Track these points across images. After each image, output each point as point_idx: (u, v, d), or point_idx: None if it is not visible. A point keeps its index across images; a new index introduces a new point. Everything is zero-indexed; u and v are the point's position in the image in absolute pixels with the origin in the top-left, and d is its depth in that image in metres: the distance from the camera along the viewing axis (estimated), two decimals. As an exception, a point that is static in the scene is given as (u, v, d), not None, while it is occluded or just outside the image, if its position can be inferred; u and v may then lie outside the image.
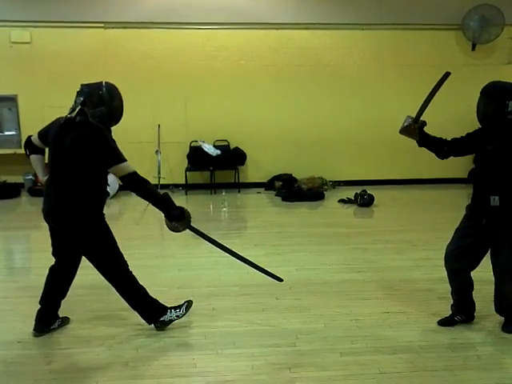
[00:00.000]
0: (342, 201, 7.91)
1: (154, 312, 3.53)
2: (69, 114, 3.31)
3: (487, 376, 2.95)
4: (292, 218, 7.22)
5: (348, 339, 3.38)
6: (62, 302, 3.57)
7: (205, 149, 8.68)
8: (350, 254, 5.29)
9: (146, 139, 8.74)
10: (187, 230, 3.54)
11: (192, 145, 8.82)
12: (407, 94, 9.09)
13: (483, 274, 3.56)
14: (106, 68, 8.53)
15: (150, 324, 3.54)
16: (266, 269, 3.88)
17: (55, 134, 3.36)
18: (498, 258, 3.34)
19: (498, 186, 3.25)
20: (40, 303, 3.51)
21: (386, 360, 3.10)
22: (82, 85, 3.39)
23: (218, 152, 8.74)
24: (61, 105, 8.39)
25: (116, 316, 3.77)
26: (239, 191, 8.86)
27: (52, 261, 3.56)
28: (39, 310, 3.51)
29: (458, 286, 3.51)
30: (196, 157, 8.76)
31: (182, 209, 3.45)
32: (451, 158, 3.50)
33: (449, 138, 3.47)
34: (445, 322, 3.57)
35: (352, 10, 8.77)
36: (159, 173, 8.74)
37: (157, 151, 8.75)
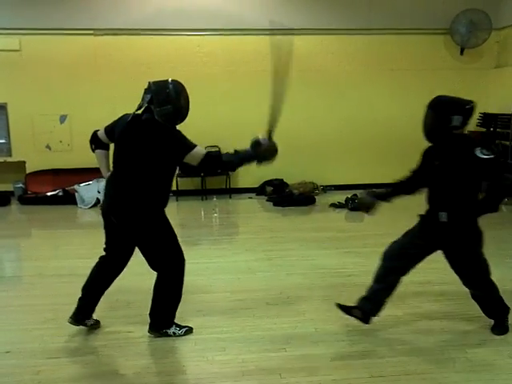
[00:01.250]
0: (333, 205, 7.92)
1: (166, 321, 3.52)
2: (136, 111, 3.32)
3: (477, 378, 2.96)
4: (283, 222, 7.23)
5: (338, 344, 3.38)
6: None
7: (198, 155, 8.67)
8: (341, 258, 5.30)
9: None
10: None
11: (183, 151, 8.81)
12: (396, 97, 9.18)
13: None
14: (96, 75, 8.54)
15: (153, 331, 3.49)
16: None
17: (121, 131, 3.37)
18: (464, 276, 3.37)
19: (445, 202, 3.23)
20: (82, 292, 3.55)
21: (376, 364, 3.11)
22: (149, 82, 3.42)
23: (209, 158, 8.73)
24: (50, 112, 8.55)
25: (108, 323, 3.75)
26: (230, 197, 8.85)
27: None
28: (80, 299, 3.54)
29: (384, 285, 3.48)
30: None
31: (258, 146, 3.49)
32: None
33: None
34: (343, 308, 3.51)
35: (341, 15, 8.82)
36: (150, 179, 8.73)
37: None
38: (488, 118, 8.49)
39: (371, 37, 8.96)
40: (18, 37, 8.31)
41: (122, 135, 3.37)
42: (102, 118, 9.27)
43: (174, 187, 8.58)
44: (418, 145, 3.54)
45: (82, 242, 6.22)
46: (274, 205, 8.17)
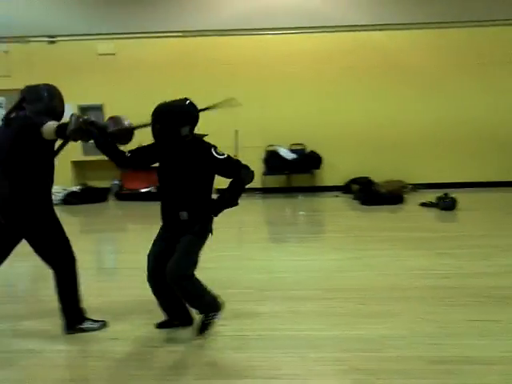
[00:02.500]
0: (423, 204, 7.68)
1: (76, 317, 3.58)
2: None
3: None
4: (371, 221, 7.10)
5: (436, 347, 3.27)
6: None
7: (281, 153, 8.73)
8: (434, 259, 5.12)
9: (224, 145, 8.84)
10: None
11: (268, 149, 8.89)
12: (489, 92, 8.74)
13: None
14: (184, 75, 8.80)
15: (68, 329, 3.56)
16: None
17: None
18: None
19: (186, 201, 3.33)
20: None
21: (480, 370, 2.97)
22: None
23: (294, 156, 8.75)
24: (143, 112, 8.90)
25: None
26: (316, 194, 8.81)
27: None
28: None
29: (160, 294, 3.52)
30: (272, 161, 8.82)
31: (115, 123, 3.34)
32: None
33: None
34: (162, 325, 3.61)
35: (428, 8, 8.52)
36: (237, 177, 8.89)
37: (234, 156, 8.88)
38: None
39: (461, 30, 8.61)
40: (114, 41, 8.77)
41: None
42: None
43: (260, 185, 8.83)
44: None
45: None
46: (361, 203, 8.05)
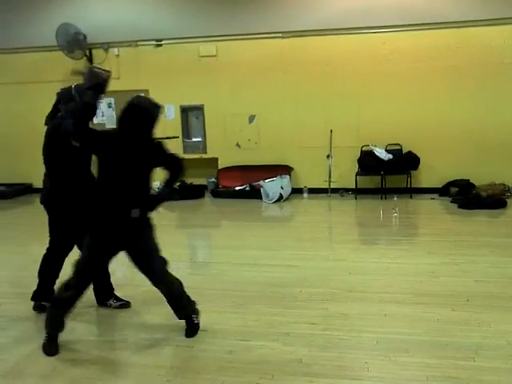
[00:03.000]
0: (528, 210, 7.24)
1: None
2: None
3: None
4: (470, 226, 6.80)
5: (536, 360, 3.12)
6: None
7: (376, 153, 8.58)
8: (538, 268, 4.84)
9: (318, 144, 8.93)
10: None
11: (363, 149, 8.79)
12: None
13: None
14: (282, 76, 8.93)
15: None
16: None
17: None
18: (150, 266, 3.40)
19: (138, 198, 3.30)
20: None
21: None
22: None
23: (390, 156, 8.57)
24: (240, 112, 9.17)
25: (288, 314, 3.94)
26: (411, 196, 8.59)
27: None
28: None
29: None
30: (367, 161, 8.70)
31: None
32: None
33: None
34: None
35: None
36: (330, 177, 8.88)
37: (328, 156, 8.89)
38: None
39: None
40: (215, 43, 9.07)
41: None
42: (286, 117, 9.79)
43: (353, 185, 8.76)
44: None
45: (265, 234, 6.60)
46: (459, 207, 7.73)
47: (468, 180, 8.47)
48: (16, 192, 9.69)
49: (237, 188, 9.15)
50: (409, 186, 8.68)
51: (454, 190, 8.39)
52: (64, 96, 3.81)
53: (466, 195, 8.03)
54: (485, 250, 5.41)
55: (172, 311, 3.64)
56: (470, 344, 3.34)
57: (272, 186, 8.64)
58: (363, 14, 8.45)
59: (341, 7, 8.54)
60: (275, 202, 8.51)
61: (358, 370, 3.09)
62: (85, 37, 9.16)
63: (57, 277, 3.97)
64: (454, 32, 8.36)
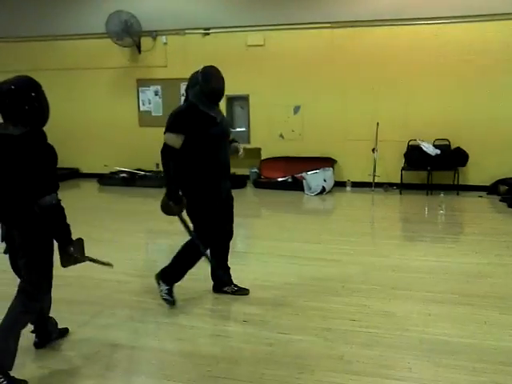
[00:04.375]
0: None
1: None
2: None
3: None
4: (520, 226, 6.56)
5: None
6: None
7: (424, 148, 8.38)
8: None
9: (363, 137, 8.77)
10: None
11: (410, 144, 8.59)
12: None
13: None
14: (330, 67, 8.80)
15: None
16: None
17: None
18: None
19: None
20: None
21: None
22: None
23: (438, 152, 8.35)
24: (285, 103, 9.10)
25: (329, 309, 3.89)
26: (458, 193, 8.35)
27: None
28: None
29: None
30: (414, 156, 8.50)
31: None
32: None
33: None
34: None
35: None
36: (374, 171, 8.72)
37: (374, 149, 8.73)
38: None
39: None
40: (263, 33, 9.01)
41: None
42: (332, 109, 9.66)
43: (398, 180, 8.56)
44: None
45: (306, 228, 6.55)
46: (509, 206, 7.46)
47: (517, 178, 8.18)
48: (63, 176, 9.94)
49: (279, 179, 9.10)
50: (456, 182, 8.45)
51: (503, 188, 8.11)
52: (190, 80, 3.83)
53: (516, 194, 7.75)
54: (536, 252, 5.21)
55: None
56: (520, 350, 3.22)
57: (315, 179, 8.56)
58: (415, 4, 8.22)
59: (391, -2, 8.34)
60: (317, 194, 8.42)
61: (401, 371, 3.03)
62: (134, 24, 9.25)
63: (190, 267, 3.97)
64: (509, 24, 8.04)
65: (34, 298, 2.97)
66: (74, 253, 2.94)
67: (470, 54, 8.19)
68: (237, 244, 6.43)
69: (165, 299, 3.96)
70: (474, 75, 8.23)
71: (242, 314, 3.81)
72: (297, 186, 8.73)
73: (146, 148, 9.17)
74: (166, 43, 9.53)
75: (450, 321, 3.66)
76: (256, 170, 9.37)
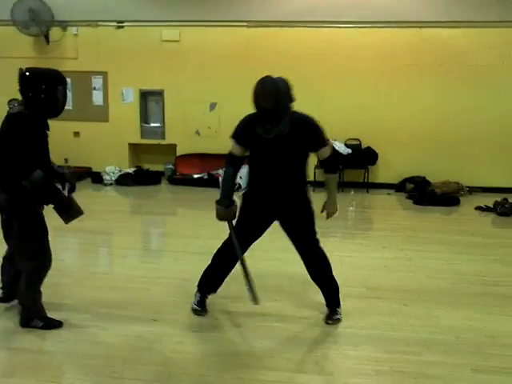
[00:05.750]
0: (479, 208, 7.42)
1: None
2: None
3: None
4: (424, 222, 6.92)
5: (482, 355, 3.18)
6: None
7: (335, 147, 8.62)
8: (487, 265, 4.95)
9: (278, 135, 8.88)
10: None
11: (323, 143, 8.81)
12: None
13: None
14: (246, 65, 8.80)
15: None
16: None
17: None
18: None
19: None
20: None
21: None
22: None
23: (349, 151, 8.63)
24: (201, 99, 9.03)
25: (244, 306, 3.90)
26: (368, 191, 8.68)
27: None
28: None
29: None
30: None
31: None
32: None
33: None
34: None
35: (504, 5, 8.14)
36: (289, 169, 8.86)
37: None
38: None
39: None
40: (179, 28, 8.89)
41: None
42: (248, 107, 9.63)
43: (311, 178, 8.75)
44: None
45: (220, 224, 6.51)
46: (414, 203, 7.86)
47: (424, 177, 8.62)
48: None
49: (195, 176, 9.03)
50: (366, 180, 8.77)
51: (409, 186, 8.53)
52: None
53: (421, 192, 8.18)
54: (437, 247, 5.51)
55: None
56: (419, 339, 3.38)
57: (231, 176, 8.54)
58: (328, 7, 8.42)
59: (306, 0, 8.50)
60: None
61: (308, 364, 3.08)
62: (42, 13, 8.78)
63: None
64: (416, 32, 8.45)
65: (30, 258, 3.33)
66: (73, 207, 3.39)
67: (379, 57, 8.54)
68: (151, 242, 6.33)
69: (194, 310, 3.75)
70: (382, 77, 8.58)
71: (153, 313, 3.72)
72: (213, 182, 8.68)
73: (54, 142, 8.74)
74: (76, 34, 9.14)
75: (357, 313, 3.78)
76: (171, 166, 9.23)
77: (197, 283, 3.78)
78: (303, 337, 3.42)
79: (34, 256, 3.34)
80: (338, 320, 3.61)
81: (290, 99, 3.42)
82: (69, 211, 3.40)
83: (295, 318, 3.70)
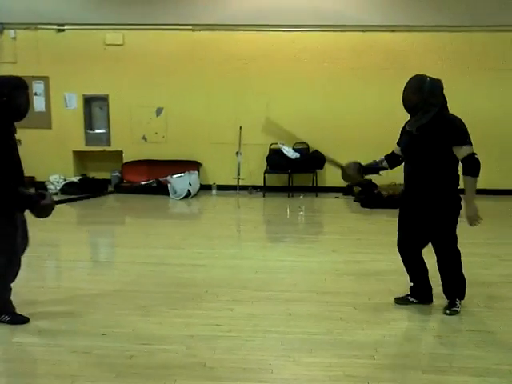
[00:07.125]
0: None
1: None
2: None
3: None
4: (371, 225, 7.05)
5: (431, 356, 3.24)
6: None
7: (284, 151, 8.68)
8: (435, 265, 5.05)
9: (227, 140, 8.87)
10: None
11: (272, 147, 8.85)
12: (498, 98, 8.68)
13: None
14: (193, 69, 8.77)
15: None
16: None
17: None
18: None
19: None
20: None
21: (473, 382, 2.94)
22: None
23: (297, 155, 8.71)
24: (147, 104, 8.88)
25: (192, 315, 3.83)
26: (317, 195, 8.78)
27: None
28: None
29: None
30: (275, 159, 8.78)
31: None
32: None
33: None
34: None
35: (440, 11, 8.45)
36: (239, 174, 8.85)
37: (237, 152, 8.86)
38: None
39: (472, 34, 8.54)
40: (122, 32, 8.73)
41: None
42: (196, 112, 9.63)
43: (261, 183, 8.78)
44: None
45: (172, 232, 6.43)
46: (362, 206, 8.01)
47: (370, 180, 8.76)
48: None
49: (143, 183, 8.87)
50: (315, 184, 8.87)
51: (357, 189, 8.67)
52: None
53: (368, 194, 8.33)
54: (384, 249, 5.59)
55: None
56: (371, 342, 3.41)
57: (180, 182, 8.46)
58: (273, 11, 8.50)
59: (251, 3, 8.54)
60: (183, 198, 8.33)
61: (262, 372, 3.05)
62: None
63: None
64: (359, 35, 8.64)
65: None
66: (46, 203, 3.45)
67: (325, 61, 8.68)
68: (98, 253, 6.14)
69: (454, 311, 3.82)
70: (328, 80, 8.72)
71: (100, 327, 3.60)
72: (161, 190, 8.56)
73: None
74: (14, 38, 8.81)
75: (309, 319, 3.78)
76: (118, 173, 9.03)
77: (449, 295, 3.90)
78: (256, 346, 3.39)
79: (2, 251, 3.42)
80: (456, 312, 3.78)
81: (436, 99, 3.67)
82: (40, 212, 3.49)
83: (247, 325, 3.66)
